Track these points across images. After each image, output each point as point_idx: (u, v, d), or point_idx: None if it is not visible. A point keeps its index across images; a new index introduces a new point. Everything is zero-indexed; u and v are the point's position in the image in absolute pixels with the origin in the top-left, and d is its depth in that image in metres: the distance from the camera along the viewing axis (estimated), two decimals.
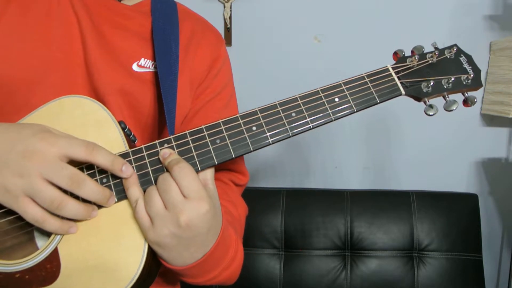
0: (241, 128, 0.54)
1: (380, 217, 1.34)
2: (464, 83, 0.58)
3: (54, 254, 0.49)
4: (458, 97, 0.59)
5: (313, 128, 0.55)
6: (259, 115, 0.54)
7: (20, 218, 0.49)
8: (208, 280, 0.56)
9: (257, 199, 1.37)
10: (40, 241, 0.52)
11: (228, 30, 1.47)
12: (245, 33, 1.49)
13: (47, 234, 0.51)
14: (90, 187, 0.48)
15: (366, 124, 1.53)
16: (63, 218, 0.49)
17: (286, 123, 0.54)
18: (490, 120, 1.49)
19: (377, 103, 0.57)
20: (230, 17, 1.46)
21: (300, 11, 1.47)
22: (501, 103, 1.35)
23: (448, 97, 0.59)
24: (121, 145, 0.53)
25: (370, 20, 1.45)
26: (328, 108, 0.55)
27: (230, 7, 1.46)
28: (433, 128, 1.50)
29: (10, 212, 0.49)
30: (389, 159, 1.55)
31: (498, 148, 1.52)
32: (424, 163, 1.53)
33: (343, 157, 1.56)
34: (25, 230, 0.51)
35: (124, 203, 0.51)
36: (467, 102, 0.58)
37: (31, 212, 0.46)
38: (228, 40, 1.48)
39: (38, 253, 0.50)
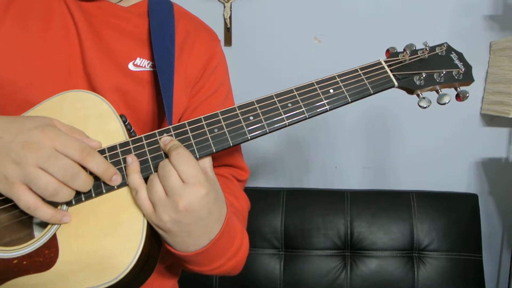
0: (238, 118, 0.55)
1: (380, 217, 1.35)
2: (455, 77, 0.60)
3: (53, 240, 0.50)
4: (451, 93, 0.61)
5: (309, 117, 0.57)
6: (256, 105, 0.56)
7: (16, 209, 0.49)
8: (213, 269, 0.57)
9: (257, 199, 1.36)
10: (39, 235, 0.52)
11: (228, 30, 1.47)
12: (245, 33, 1.49)
13: (45, 227, 0.52)
14: (83, 181, 0.49)
15: (366, 124, 1.53)
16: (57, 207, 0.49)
17: (282, 112, 0.56)
18: (490, 120, 1.49)
19: (371, 94, 0.59)
20: (230, 17, 1.46)
21: (300, 11, 1.47)
22: (501, 103, 1.35)
23: (440, 90, 0.61)
24: (122, 137, 0.55)
25: (370, 21, 1.45)
26: (323, 99, 0.57)
27: (230, 7, 1.46)
28: (433, 128, 1.50)
29: (6, 201, 0.50)
30: (389, 159, 1.55)
31: (498, 148, 1.52)
32: (424, 163, 1.53)
33: (343, 157, 1.56)
34: (21, 218, 0.52)
35: (124, 190, 0.52)
36: (459, 96, 0.60)
37: (24, 199, 0.46)
38: (228, 40, 1.48)
39: (36, 239, 0.50)
